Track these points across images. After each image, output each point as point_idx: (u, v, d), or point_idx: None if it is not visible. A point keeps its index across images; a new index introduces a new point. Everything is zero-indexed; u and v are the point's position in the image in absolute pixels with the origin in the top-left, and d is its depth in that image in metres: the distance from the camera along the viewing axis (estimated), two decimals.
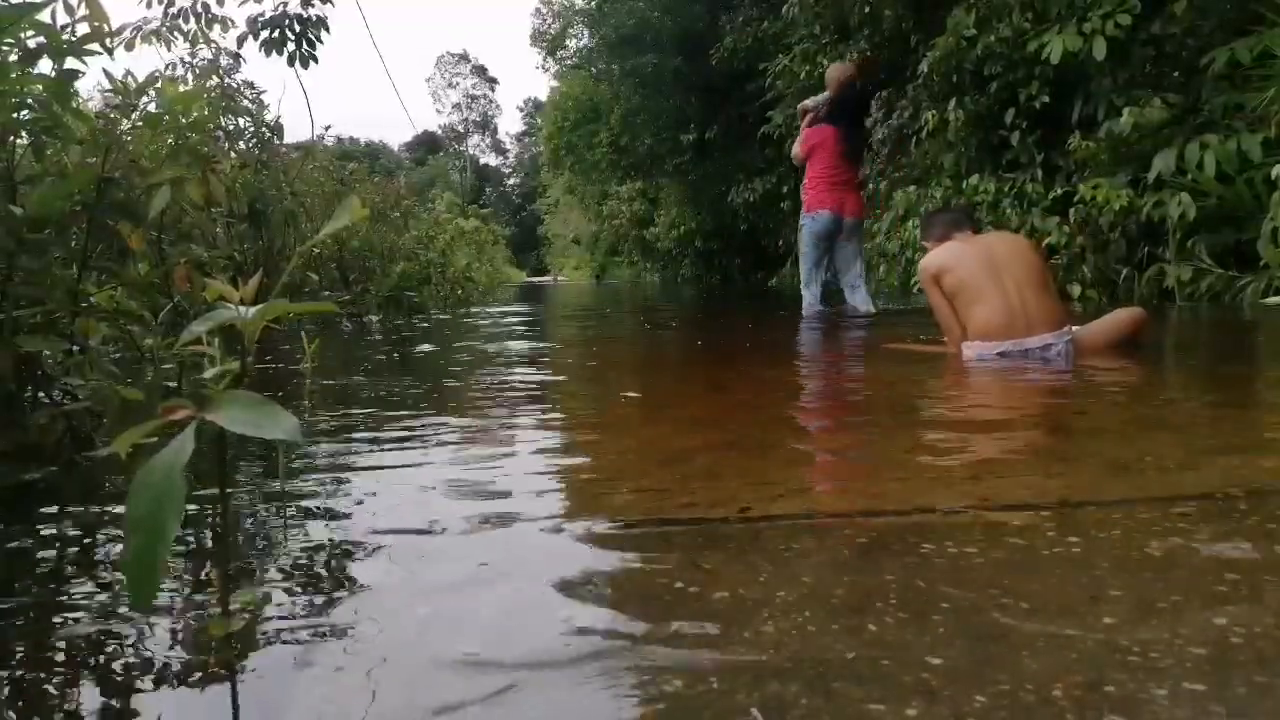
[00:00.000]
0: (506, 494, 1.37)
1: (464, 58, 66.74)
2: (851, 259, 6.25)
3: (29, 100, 1.62)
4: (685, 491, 1.39)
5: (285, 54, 7.17)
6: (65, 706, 0.73)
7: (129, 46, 4.95)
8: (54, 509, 1.33)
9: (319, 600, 0.94)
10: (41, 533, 1.22)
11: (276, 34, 7.14)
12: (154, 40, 5.16)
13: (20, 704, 0.74)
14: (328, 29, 7.29)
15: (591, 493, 1.44)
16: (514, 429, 2.01)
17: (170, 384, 1.80)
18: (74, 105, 1.71)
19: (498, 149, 70.31)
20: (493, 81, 68.21)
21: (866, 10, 9.43)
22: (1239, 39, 5.90)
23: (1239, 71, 5.91)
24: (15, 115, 1.61)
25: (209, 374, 0.98)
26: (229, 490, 1.01)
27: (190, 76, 5.79)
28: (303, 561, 1.07)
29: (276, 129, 5.67)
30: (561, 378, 3.25)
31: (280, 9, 7.17)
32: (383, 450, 1.76)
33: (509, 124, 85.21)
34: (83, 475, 1.53)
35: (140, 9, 6.31)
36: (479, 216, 16.50)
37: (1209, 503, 1.23)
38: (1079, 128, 6.93)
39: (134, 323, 1.91)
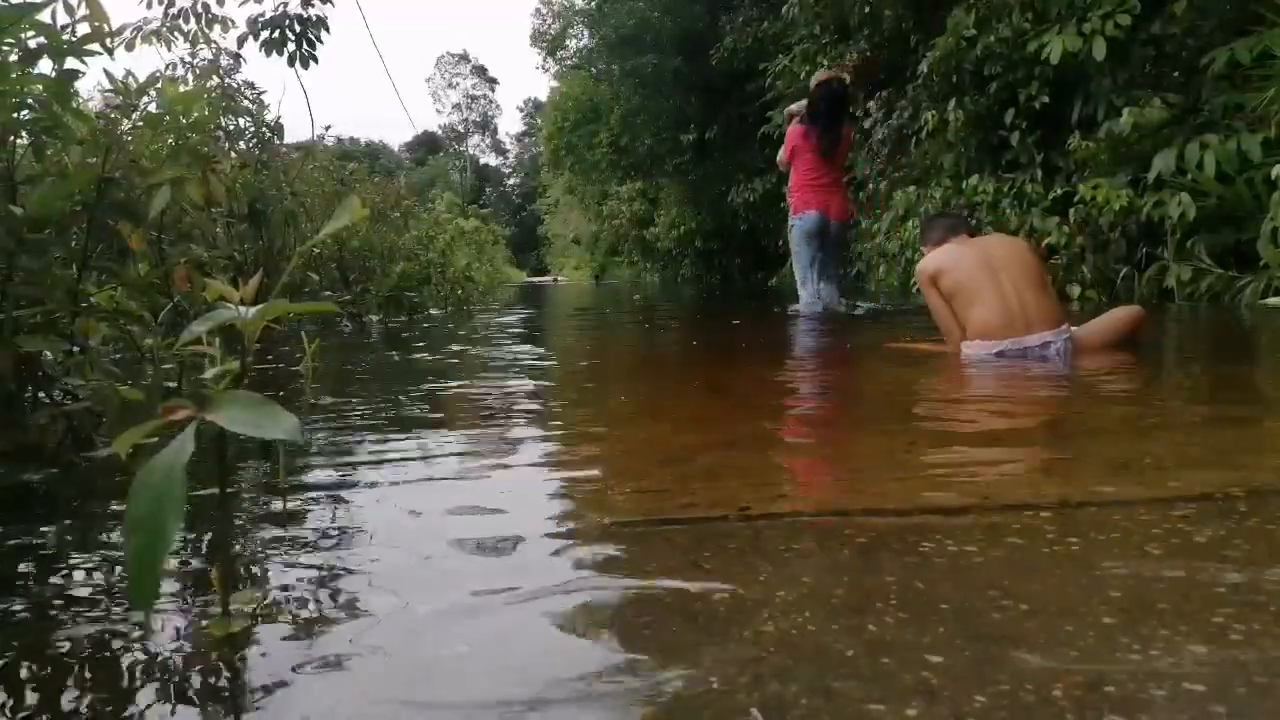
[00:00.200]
0: (505, 492, 1.37)
1: (464, 58, 66.78)
2: (829, 260, 6.27)
3: (29, 100, 1.62)
4: (685, 491, 1.39)
5: (285, 54, 7.18)
6: (65, 707, 0.73)
7: (129, 46, 4.96)
8: (54, 509, 1.33)
9: (319, 600, 0.94)
10: (41, 533, 1.22)
11: (276, 34, 7.15)
12: (154, 40, 5.17)
13: (20, 704, 0.74)
14: (328, 29, 7.30)
15: (591, 492, 1.44)
16: (514, 429, 2.01)
17: (170, 384, 1.80)
18: (74, 105, 1.71)
19: (498, 149, 70.39)
20: (493, 82, 68.26)
21: (866, 10, 9.44)
22: (1239, 39, 5.91)
23: (1239, 71, 5.92)
24: (15, 115, 1.61)
25: (209, 374, 0.98)
26: (229, 490, 1.01)
27: (190, 77, 5.78)
28: (303, 561, 1.07)
29: (277, 129, 5.66)
30: (561, 378, 3.25)
31: (280, 9, 7.18)
32: (384, 444, 1.76)
33: (509, 124, 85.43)
34: (83, 475, 1.53)
35: (140, 9, 6.32)
36: (479, 216, 16.47)
37: (1209, 503, 1.23)
38: (1079, 128, 6.94)
39: (134, 323, 1.91)
